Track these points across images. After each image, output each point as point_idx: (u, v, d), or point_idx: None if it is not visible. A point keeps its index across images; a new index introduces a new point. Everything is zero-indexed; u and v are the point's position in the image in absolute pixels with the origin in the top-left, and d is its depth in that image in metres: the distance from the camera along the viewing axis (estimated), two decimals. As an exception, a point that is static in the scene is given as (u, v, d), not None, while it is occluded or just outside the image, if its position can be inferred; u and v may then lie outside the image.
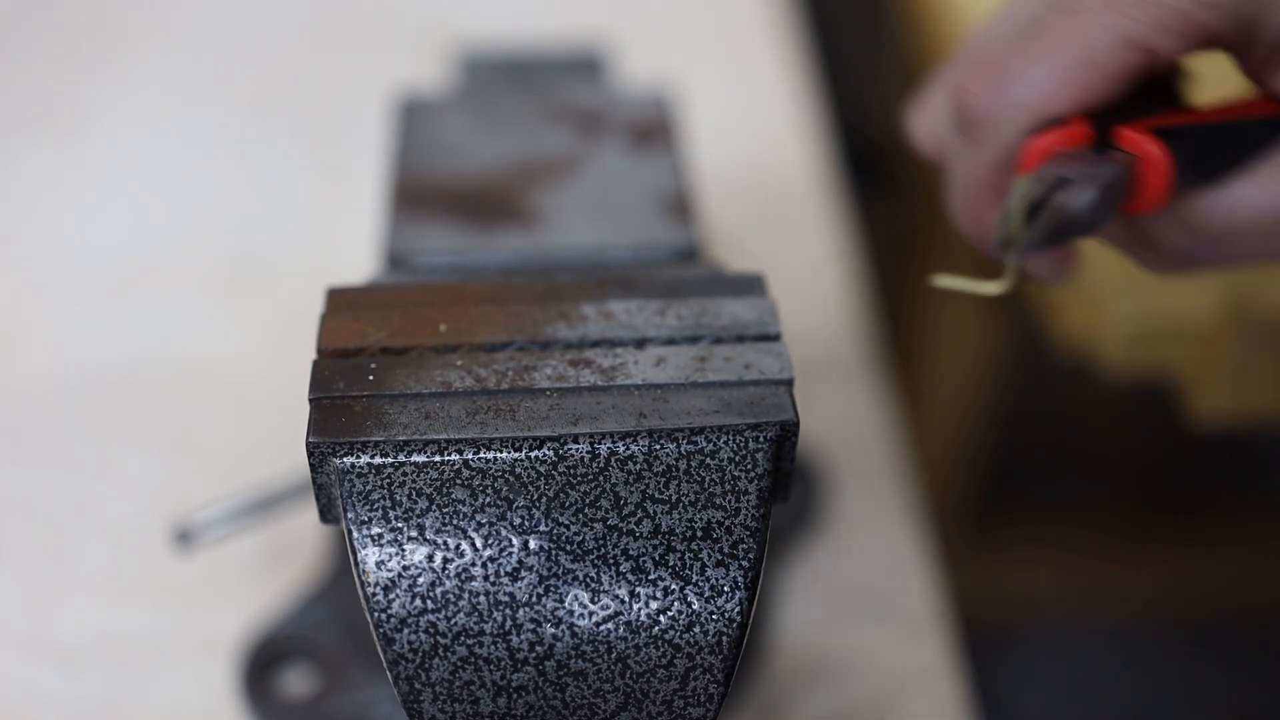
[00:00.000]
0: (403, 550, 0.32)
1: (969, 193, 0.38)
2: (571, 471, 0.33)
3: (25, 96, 0.77)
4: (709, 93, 0.70)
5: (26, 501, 0.56)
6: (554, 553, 0.32)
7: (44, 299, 0.65)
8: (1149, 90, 0.36)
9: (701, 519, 0.33)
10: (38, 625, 0.52)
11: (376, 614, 0.32)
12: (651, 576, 0.33)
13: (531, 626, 0.33)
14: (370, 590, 0.32)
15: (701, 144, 0.61)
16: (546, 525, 0.33)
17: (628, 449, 0.33)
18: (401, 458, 0.33)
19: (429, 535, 0.32)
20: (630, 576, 0.33)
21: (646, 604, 0.33)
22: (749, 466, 0.34)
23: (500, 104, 0.49)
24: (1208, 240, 0.35)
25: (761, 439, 0.34)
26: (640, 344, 0.36)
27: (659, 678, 0.34)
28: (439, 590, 0.32)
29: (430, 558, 0.32)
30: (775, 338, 0.36)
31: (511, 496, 0.33)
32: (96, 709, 0.49)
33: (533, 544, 0.32)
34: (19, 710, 0.49)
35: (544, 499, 0.33)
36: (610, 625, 0.33)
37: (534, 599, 0.32)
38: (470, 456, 0.33)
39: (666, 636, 0.33)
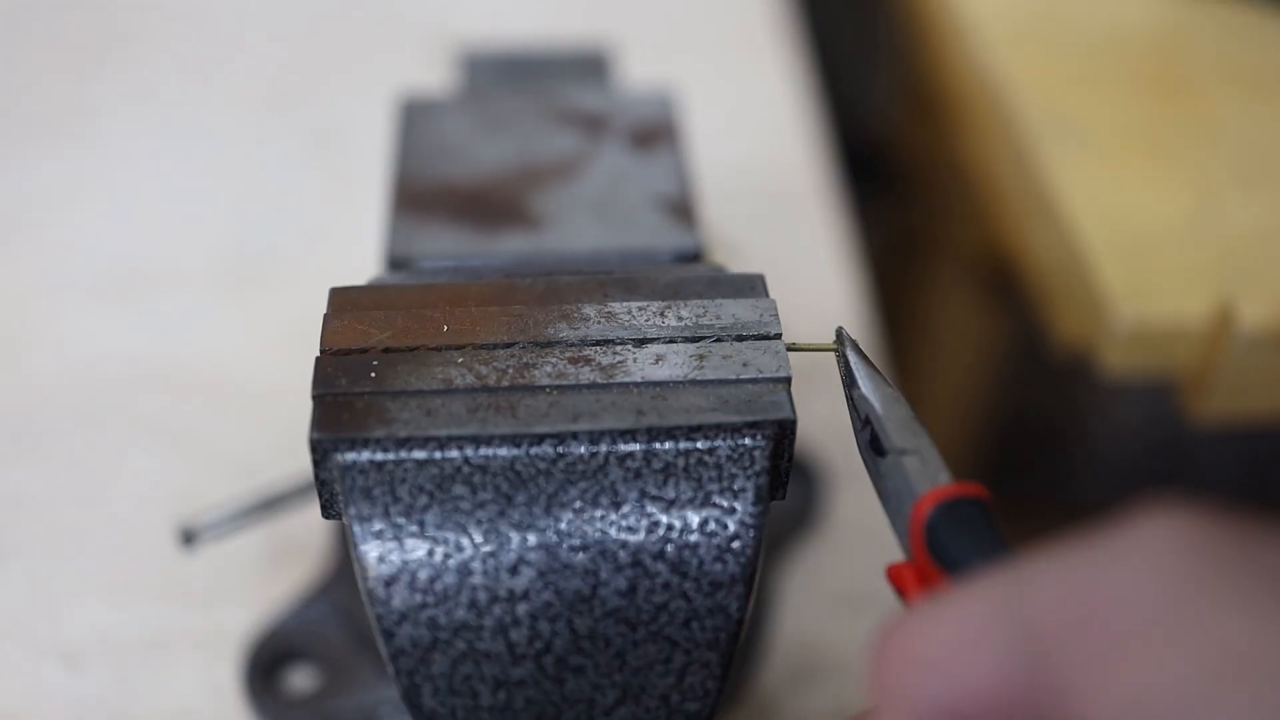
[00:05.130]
0: (403, 545, 0.32)
1: None
2: (571, 468, 0.33)
3: (31, 98, 0.78)
4: (708, 95, 0.70)
5: (33, 501, 0.56)
6: (553, 548, 0.33)
7: (50, 300, 0.66)
8: None
9: (699, 515, 0.33)
10: (44, 624, 0.52)
11: (377, 608, 0.32)
12: (650, 572, 0.33)
13: (530, 622, 0.33)
14: (371, 585, 0.32)
15: (701, 146, 0.62)
16: (546, 521, 0.33)
17: (626, 446, 0.34)
18: (403, 454, 0.33)
19: (429, 531, 0.33)
20: (628, 571, 0.33)
21: (645, 599, 0.33)
22: (746, 464, 0.34)
23: (502, 105, 0.50)
24: None
25: (759, 437, 0.34)
26: (640, 343, 0.36)
27: (656, 673, 0.34)
28: (439, 585, 0.32)
29: (430, 553, 0.32)
30: (775, 337, 0.37)
31: (511, 493, 0.33)
32: (102, 707, 0.49)
33: (532, 540, 0.33)
34: (25, 708, 0.49)
35: (543, 495, 0.33)
36: (608, 620, 0.33)
37: (533, 594, 0.33)
38: (470, 453, 0.33)
39: (664, 632, 0.34)
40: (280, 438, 0.57)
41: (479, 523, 0.33)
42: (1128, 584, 0.23)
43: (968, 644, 0.25)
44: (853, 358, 0.36)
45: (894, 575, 0.32)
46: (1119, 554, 0.24)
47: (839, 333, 0.37)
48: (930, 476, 0.32)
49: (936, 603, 0.26)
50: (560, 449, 0.33)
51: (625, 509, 0.33)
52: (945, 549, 0.31)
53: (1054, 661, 0.24)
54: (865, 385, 0.35)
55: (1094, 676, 0.23)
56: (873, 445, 0.34)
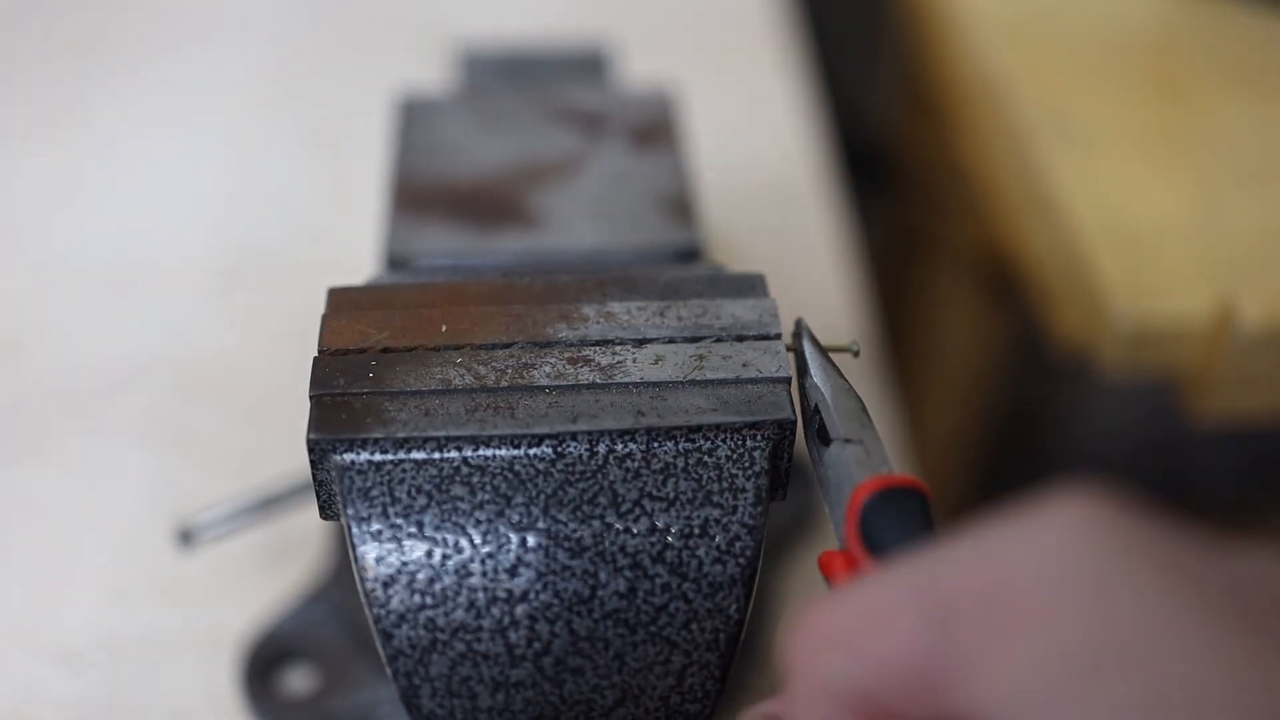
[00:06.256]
0: (402, 546, 0.32)
1: None
2: (570, 469, 0.33)
3: (29, 97, 0.78)
4: (708, 94, 0.70)
5: (30, 501, 0.56)
6: (552, 549, 0.33)
7: (48, 299, 0.65)
8: None
9: (699, 516, 0.33)
10: (41, 624, 0.52)
11: (376, 609, 0.32)
12: (649, 573, 0.33)
13: (529, 623, 0.33)
14: (369, 586, 0.32)
15: (701, 145, 0.61)
16: (545, 522, 0.33)
17: (626, 447, 0.33)
18: (401, 454, 0.33)
19: (428, 531, 0.32)
20: (628, 573, 0.33)
21: (644, 600, 0.33)
22: (746, 464, 0.34)
23: (501, 104, 0.50)
24: None
25: (759, 437, 0.34)
26: (640, 343, 0.36)
27: (656, 674, 0.34)
28: (438, 586, 0.32)
29: (429, 554, 0.32)
30: (774, 337, 0.37)
31: (510, 493, 0.33)
32: (99, 707, 0.49)
33: (531, 540, 0.33)
34: (22, 708, 0.49)
35: (542, 496, 0.33)
36: (607, 622, 0.33)
37: (532, 595, 0.33)
38: (469, 454, 0.33)
39: (664, 633, 0.33)
40: (278, 438, 0.56)
41: (478, 523, 0.33)
42: (1032, 564, 0.24)
43: (876, 623, 0.25)
44: (808, 347, 0.36)
45: (824, 562, 0.32)
46: (1028, 537, 0.24)
47: (797, 324, 0.37)
48: (872, 468, 0.32)
49: (851, 586, 0.26)
50: (559, 449, 0.33)
51: (624, 510, 0.33)
52: (877, 537, 0.31)
53: (957, 638, 0.24)
54: (817, 374, 0.35)
55: (989, 650, 0.24)
56: (820, 435, 0.34)
